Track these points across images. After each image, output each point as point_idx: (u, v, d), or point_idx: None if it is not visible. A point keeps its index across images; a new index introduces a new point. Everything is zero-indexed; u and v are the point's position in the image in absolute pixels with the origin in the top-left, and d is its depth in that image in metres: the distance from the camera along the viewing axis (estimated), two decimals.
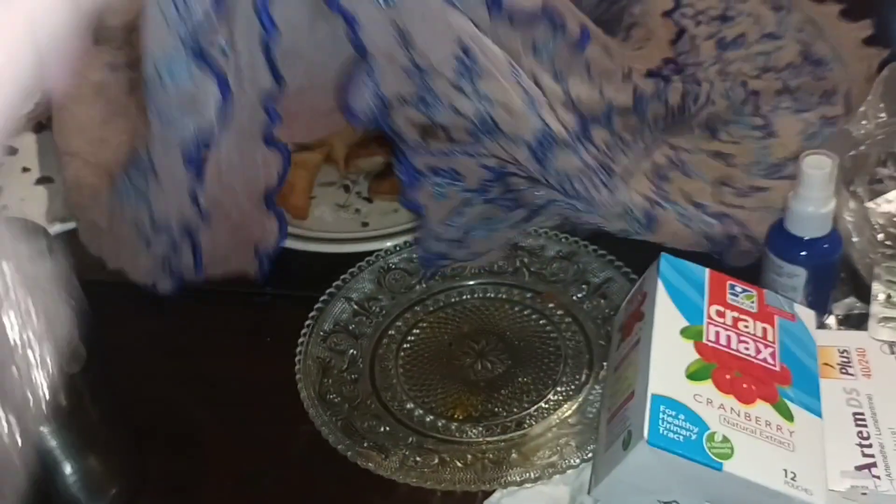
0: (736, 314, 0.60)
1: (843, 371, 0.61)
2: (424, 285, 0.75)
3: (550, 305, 0.73)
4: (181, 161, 0.64)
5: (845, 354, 0.62)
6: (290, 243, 0.79)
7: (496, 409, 0.66)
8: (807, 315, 0.62)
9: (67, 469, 0.60)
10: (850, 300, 0.68)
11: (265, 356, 0.72)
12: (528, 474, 0.60)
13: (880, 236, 0.69)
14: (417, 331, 0.73)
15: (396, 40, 0.60)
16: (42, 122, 0.98)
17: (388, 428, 0.65)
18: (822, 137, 0.79)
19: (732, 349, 0.58)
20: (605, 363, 0.67)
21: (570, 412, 0.65)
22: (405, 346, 0.72)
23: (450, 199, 0.69)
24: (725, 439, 0.53)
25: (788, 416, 0.55)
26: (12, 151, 0.97)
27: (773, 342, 0.59)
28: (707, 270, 0.62)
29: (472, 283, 0.76)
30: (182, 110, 0.62)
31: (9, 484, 0.47)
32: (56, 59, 0.44)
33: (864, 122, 0.72)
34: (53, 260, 0.51)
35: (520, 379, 0.68)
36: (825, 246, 0.63)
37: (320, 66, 0.67)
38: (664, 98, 0.76)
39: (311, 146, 0.86)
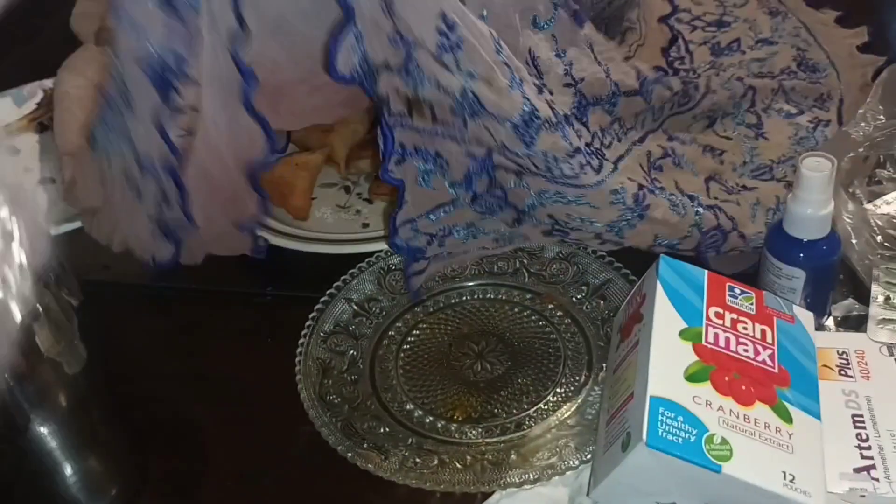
0: (735, 316, 0.60)
1: (842, 373, 0.61)
2: (424, 286, 0.75)
3: (550, 307, 0.73)
4: (150, 84, 0.63)
5: (844, 356, 0.62)
6: (290, 244, 0.79)
7: (495, 411, 0.66)
8: (805, 317, 0.62)
9: (68, 469, 0.60)
10: (849, 302, 0.68)
11: (266, 357, 0.72)
12: (527, 476, 0.60)
13: (879, 238, 0.69)
14: (417, 332, 0.73)
15: (381, 8, 0.60)
16: (44, 123, 0.99)
17: (387, 429, 0.65)
18: (812, 143, 0.79)
19: (731, 351, 0.58)
20: (604, 364, 0.67)
21: (569, 413, 0.65)
22: (405, 347, 0.72)
23: (436, 189, 0.68)
24: (724, 441, 0.53)
25: (787, 418, 0.55)
26: (14, 152, 0.97)
27: (772, 344, 0.59)
28: (706, 272, 0.63)
29: (471, 284, 0.76)
30: (149, 19, 0.61)
31: None
32: None
33: (863, 125, 0.72)
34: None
35: (519, 380, 0.68)
36: (824, 248, 0.63)
37: (304, 37, 0.67)
38: (667, 84, 0.75)
39: (312, 148, 0.87)
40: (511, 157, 0.66)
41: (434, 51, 0.61)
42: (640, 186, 0.70)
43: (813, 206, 0.61)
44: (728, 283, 0.62)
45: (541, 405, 0.66)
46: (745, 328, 0.59)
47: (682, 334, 0.58)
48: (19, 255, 0.50)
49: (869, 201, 0.72)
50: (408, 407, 0.67)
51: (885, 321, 0.64)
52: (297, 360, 0.69)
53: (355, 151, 0.87)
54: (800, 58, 0.89)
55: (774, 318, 0.61)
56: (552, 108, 0.66)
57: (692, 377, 0.56)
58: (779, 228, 0.64)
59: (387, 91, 0.63)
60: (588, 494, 0.59)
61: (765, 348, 0.59)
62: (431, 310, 0.74)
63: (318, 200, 0.86)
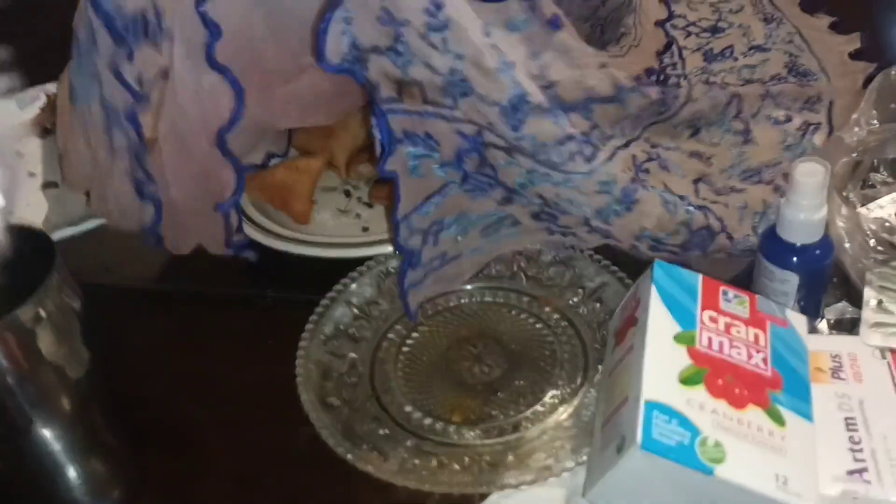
0: (728, 320, 0.61)
1: (835, 376, 0.62)
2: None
3: (547, 309, 0.74)
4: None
5: (837, 359, 0.63)
6: (291, 247, 0.80)
7: (493, 412, 0.67)
8: (798, 321, 0.63)
9: (70, 471, 0.61)
10: (842, 305, 0.69)
11: (266, 359, 0.73)
12: (523, 477, 0.61)
13: (872, 242, 0.69)
14: (416, 334, 0.74)
15: None
16: (47, 128, 0.99)
17: (387, 431, 0.66)
18: (800, 150, 0.80)
19: (725, 354, 0.59)
20: (599, 367, 0.68)
21: (565, 415, 0.66)
22: (404, 349, 0.72)
23: (424, 177, 0.68)
24: (717, 444, 0.53)
25: (780, 421, 0.56)
26: (18, 156, 0.98)
27: (765, 347, 0.60)
28: (700, 276, 0.63)
29: (469, 287, 0.76)
30: None
31: None
32: None
33: (856, 129, 0.72)
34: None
35: (516, 382, 0.69)
36: (817, 252, 0.64)
37: (286, 13, 0.67)
38: (645, 92, 0.75)
39: (313, 152, 0.87)
40: (501, 134, 0.66)
41: (422, 30, 0.61)
42: (633, 179, 0.70)
43: (806, 211, 0.62)
44: (722, 287, 0.63)
45: (537, 407, 0.67)
46: (738, 332, 0.60)
47: (677, 338, 0.59)
48: None
49: (862, 205, 0.73)
50: (407, 409, 0.68)
51: (877, 325, 0.64)
52: (297, 362, 0.69)
53: (356, 156, 0.87)
54: (791, 64, 0.90)
55: (767, 322, 0.61)
56: (543, 94, 0.65)
57: (686, 380, 0.56)
58: (772, 233, 0.65)
59: (377, 76, 0.63)
60: (583, 496, 0.59)
61: (758, 352, 0.59)
62: (430, 313, 0.75)
63: (318, 204, 0.86)
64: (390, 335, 0.73)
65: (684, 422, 0.54)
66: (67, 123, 0.75)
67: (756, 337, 0.60)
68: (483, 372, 0.70)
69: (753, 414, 0.56)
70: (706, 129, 0.80)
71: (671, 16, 0.91)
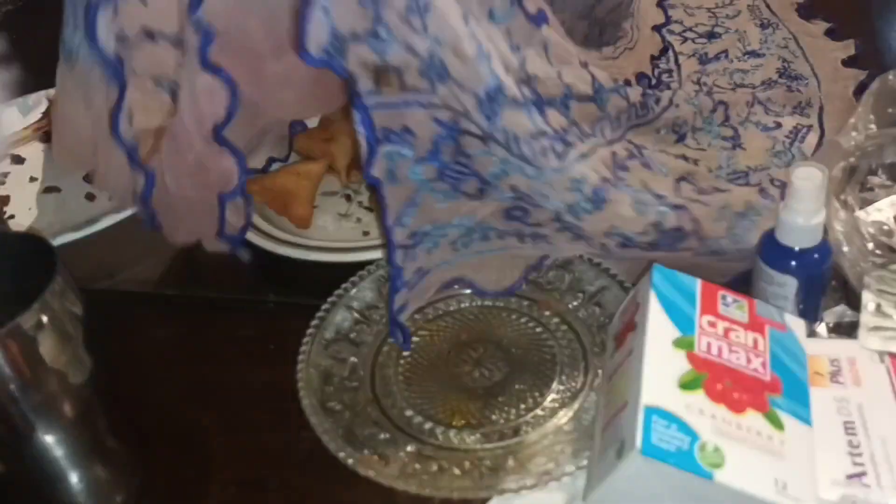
0: (727, 324, 0.61)
1: (834, 380, 0.62)
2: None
3: (546, 313, 0.74)
4: None
5: (836, 363, 0.63)
6: (292, 252, 0.80)
7: (493, 417, 0.67)
8: (797, 325, 0.63)
9: (73, 477, 0.61)
10: (841, 308, 0.69)
11: (268, 364, 0.73)
12: (524, 481, 0.61)
13: (870, 245, 0.69)
14: (417, 339, 0.74)
15: None
16: (49, 133, 0.99)
17: (387, 435, 0.66)
18: (788, 157, 0.80)
19: (724, 359, 0.59)
20: (599, 370, 0.68)
21: (565, 419, 0.66)
22: (405, 353, 0.73)
23: (400, 182, 0.66)
24: (716, 449, 0.54)
25: (778, 425, 0.56)
26: (20, 161, 0.99)
27: (764, 352, 0.60)
28: (699, 281, 0.63)
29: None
30: None
31: None
32: None
33: (854, 134, 0.72)
34: None
35: (516, 386, 0.69)
36: (815, 256, 0.64)
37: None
38: (624, 94, 0.74)
39: (314, 157, 0.88)
40: (476, 122, 0.65)
41: (402, 12, 0.61)
42: (604, 179, 0.69)
43: (804, 216, 0.62)
44: (720, 292, 0.63)
45: (538, 411, 0.67)
46: (737, 336, 0.60)
47: (676, 343, 0.59)
48: None
49: (860, 208, 0.73)
50: (407, 413, 0.68)
51: (876, 328, 0.64)
52: (298, 367, 0.70)
53: (356, 160, 0.87)
54: (783, 69, 0.90)
55: (766, 326, 0.62)
56: (519, 89, 0.65)
57: (685, 385, 0.57)
58: (771, 237, 0.65)
59: (355, 67, 0.62)
60: (584, 500, 0.60)
61: (757, 356, 0.60)
62: (430, 317, 0.75)
63: (319, 209, 0.87)
64: (391, 339, 0.74)
65: (683, 427, 0.54)
66: (68, 90, 0.74)
67: (755, 341, 0.60)
68: (483, 376, 0.70)
69: (752, 418, 0.56)
70: (692, 136, 0.80)
71: (668, 21, 0.92)
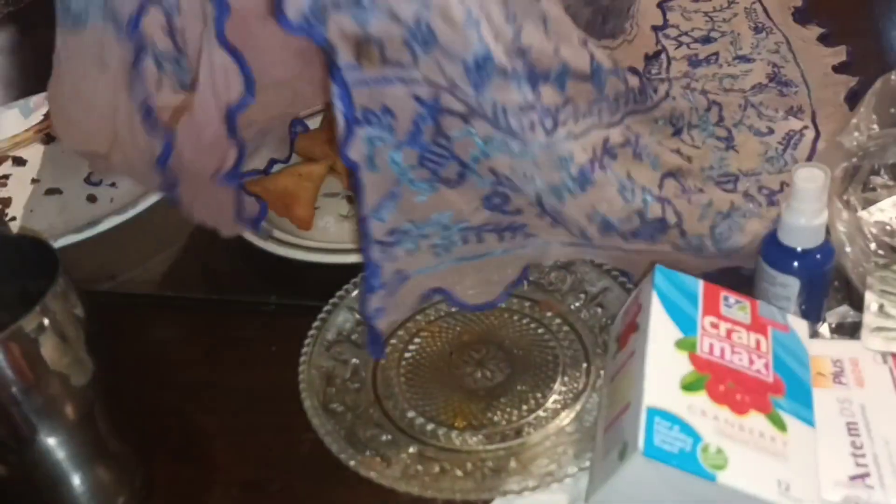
0: (729, 325, 0.61)
1: (837, 380, 0.62)
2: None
3: (548, 314, 0.74)
4: None
5: (838, 364, 0.63)
6: (294, 254, 0.80)
7: (495, 418, 0.67)
8: (800, 325, 0.63)
9: (75, 480, 0.61)
10: (844, 308, 0.69)
11: (269, 365, 0.73)
12: (526, 483, 0.61)
13: (873, 245, 0.69)
14: (419, 340, 0.74)
15: None
16: (50, 135, 1.00)
17: (389, 436, 0.66)
18: (781, 163, 0.80)
19: (726, 360, 0.59)
20: (601, 371, 0.68)
21: (567, 421, 0.66)
22: (406, 355, 0.73)
23: (380, 170, 0.65)
24: (719, 450, 0.54)
25: (781, 427, 0.56)
26: (21, 163, 0.99)
27: (767, 353, 0.60)
28: (701, 282, 0.63)
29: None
30: None
31: None
32: None
33: (856, 134, 0.72)
34: None
35: (518, 387, 0.69)
36: (818, 256, 0.64)
37: None
38: (622, 77, 0.73)
39: (316, 158, 0.88)
40: (461, 97, 0.63)
41: None
42: (592, 160, 0.68)
43: (807, 217, 0.62)
44: (723, 293, 0.63)
45: (540, 412, 0.67)
46: (739, 337, 0.60)
47: (678, 344, 0.59)
48: None
49: (863, 208, 0.73)
50: (409, 414, 0.68)
51: (879, 329, 0.64)
52: (300, 368, 0.70)
53: None
54: (773, 74, 0.90)
55: (769, 327, 0.62)
56: (508, 58, 0.63)
57: (687, 387, 0.57)
58: (774, 238, 0.65)
59: (335, 37, 0.60)
60: (586, 501, 0.60)
61: (759, 357, 0.59)
62: (432, 318, 0.75)
63: (320, 210, 0.87)
64: (392, 340, 0.74)
65: (686, 428, 0.54)
66: (75, 57, 0.72)
67: (757, 342, 0.60)
68: (485, 377, 0.70)
69: (755, 419, 0.56)
70: (688, 132, 0.79)
71: (665, 24, 0.91)
